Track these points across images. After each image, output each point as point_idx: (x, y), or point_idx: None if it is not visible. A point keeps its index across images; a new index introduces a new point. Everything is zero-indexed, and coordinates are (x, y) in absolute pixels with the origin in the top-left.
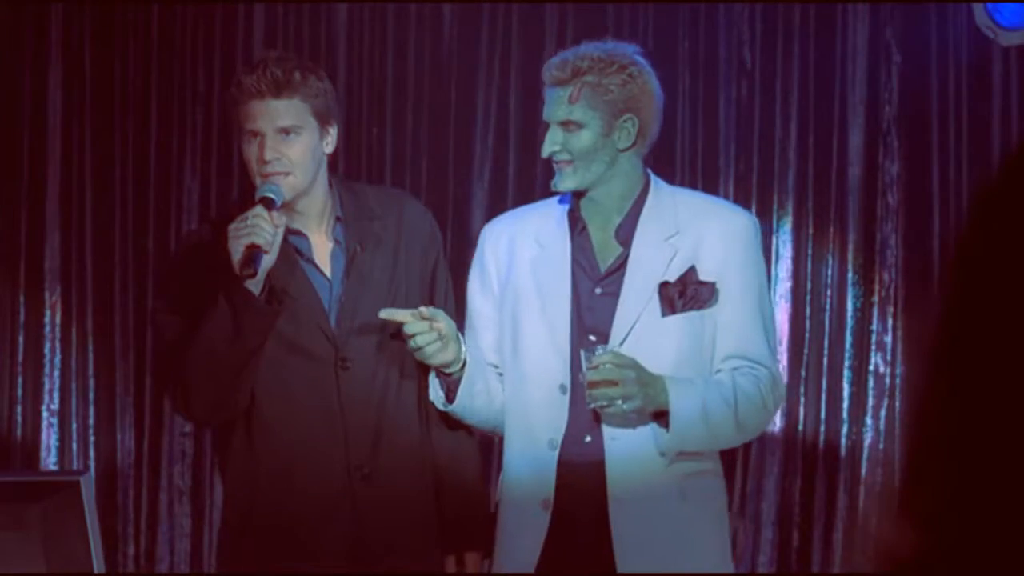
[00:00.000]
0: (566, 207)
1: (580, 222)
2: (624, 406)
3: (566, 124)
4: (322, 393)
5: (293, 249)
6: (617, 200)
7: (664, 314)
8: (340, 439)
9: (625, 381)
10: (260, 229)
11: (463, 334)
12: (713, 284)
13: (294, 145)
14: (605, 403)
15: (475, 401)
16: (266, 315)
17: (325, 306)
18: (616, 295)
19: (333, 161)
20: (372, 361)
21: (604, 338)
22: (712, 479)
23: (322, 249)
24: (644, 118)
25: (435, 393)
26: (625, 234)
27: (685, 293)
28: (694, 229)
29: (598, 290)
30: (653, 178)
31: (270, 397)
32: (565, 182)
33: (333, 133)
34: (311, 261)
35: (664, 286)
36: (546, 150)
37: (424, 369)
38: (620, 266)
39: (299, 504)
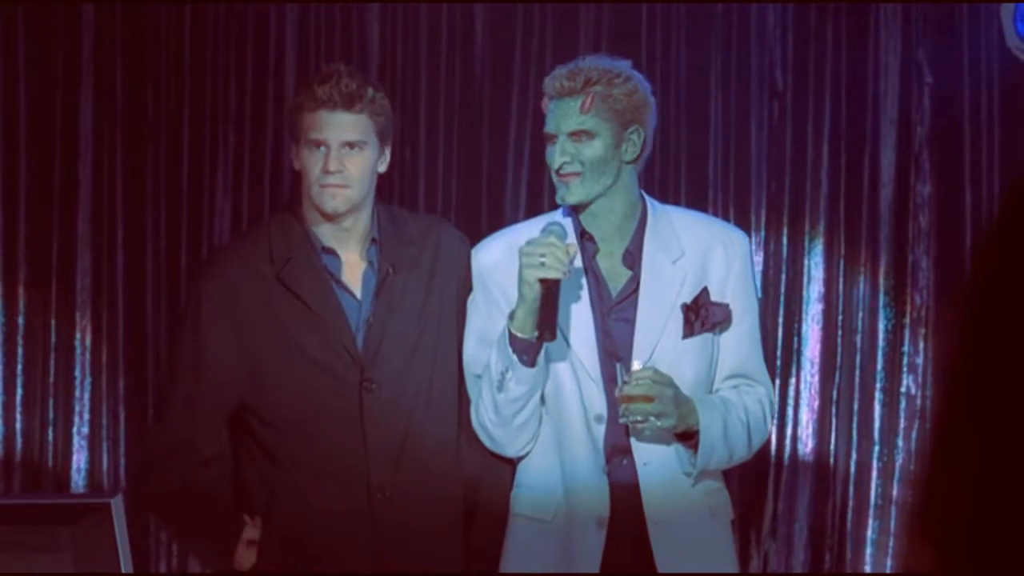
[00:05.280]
0: (569, 228)
1: (594, 247)
2: (658, 423)
3: (577, 135)
4: (345, 413)
5: (323, 268)
6: (620, 220)
7: (684, 336)
8: (361, 460)
9: (662, 398)
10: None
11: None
12: (727, 305)
13: (356, 160)
14: (640, 419)
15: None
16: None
17: (352, 326)
18: (629, 320)
19: None
20: (398, 384)
21: (625, 365)
22: (726, 494)
23: (354, 269)
24: (647, 130)
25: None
26: (632, 258)
27: (700, 314)
28: (697, 250)
29: (612, 316)
30: (647, 198)
31: (291, 414)
32: (574, 194)
33: (387, 154)
34: (339, 281)
35: (685, 308)
36: (556, 162)
37: (456, 392)
38: (633, 291)
39: (316, 523)
